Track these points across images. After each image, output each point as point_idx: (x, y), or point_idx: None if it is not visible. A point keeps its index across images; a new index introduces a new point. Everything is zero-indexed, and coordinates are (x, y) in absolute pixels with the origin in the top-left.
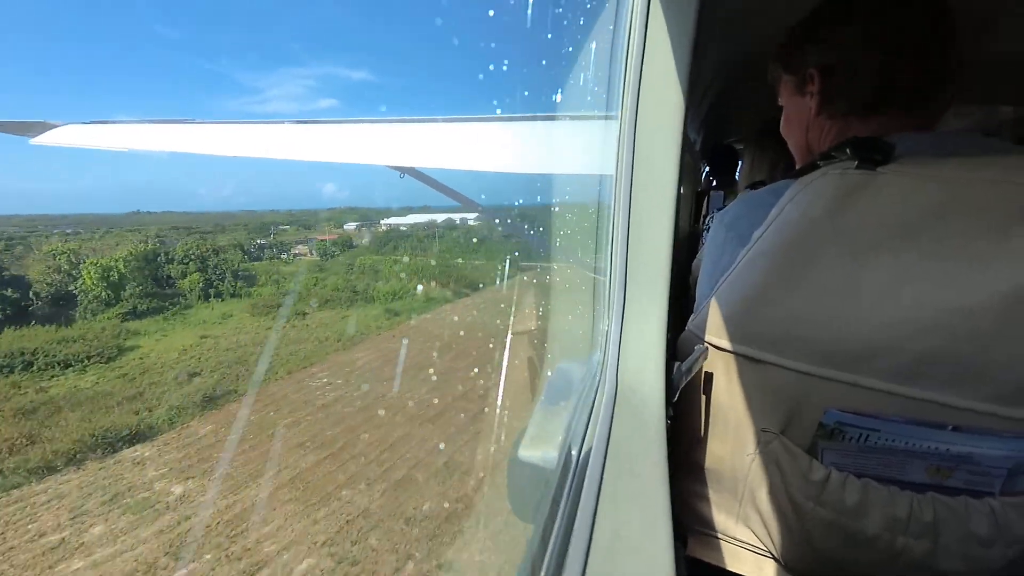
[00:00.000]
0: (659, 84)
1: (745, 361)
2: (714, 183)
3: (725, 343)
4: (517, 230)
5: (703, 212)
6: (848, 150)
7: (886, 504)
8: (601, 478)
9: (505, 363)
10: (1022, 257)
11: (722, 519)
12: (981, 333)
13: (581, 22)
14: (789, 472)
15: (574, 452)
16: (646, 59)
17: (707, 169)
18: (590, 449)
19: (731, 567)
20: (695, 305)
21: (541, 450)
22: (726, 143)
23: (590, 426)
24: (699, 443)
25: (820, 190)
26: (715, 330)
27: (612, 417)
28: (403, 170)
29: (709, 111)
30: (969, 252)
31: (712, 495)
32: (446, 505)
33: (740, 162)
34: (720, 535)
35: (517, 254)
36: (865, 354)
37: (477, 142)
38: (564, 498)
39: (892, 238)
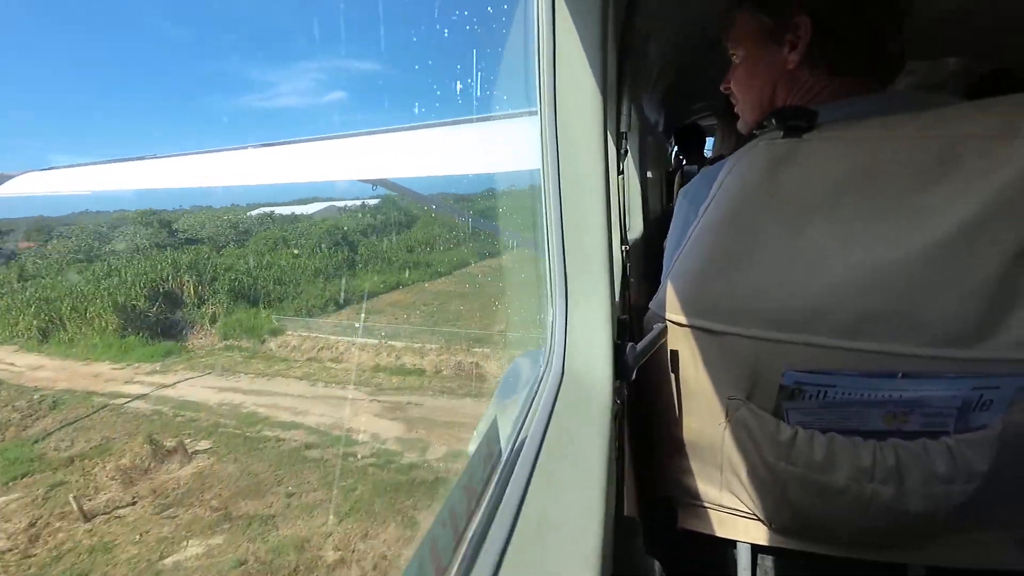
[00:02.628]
0: (574, 73)
1: (704, 334)
2: (684, 161)
3: (683, 318)
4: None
5: (675, 191)
6: (773, 120)
7: (851, 455)
8: (534, 464)
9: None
10: (940, 208)
11: (707, 489)
12: (913, 284)
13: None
14: (759, 435)
15: (509, 441)
16: (557, 52)
17: (675, 149)
18: (526, 437)
19: (720, 533)
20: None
21: (477, 445)
22: (691, 121)
23: (529, 415)
24: (676, 419)
25: (752, 161)
26: (672, 306)
27: (554, 404)
28: (375, 182)
29: (666, 93)
30: (894, 208)
31: (695, 467)
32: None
33: (708, 139)
34: (707, 504)
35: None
36: (812, 315)
37: (426, 149)
38: (491, 489)
39: (823, 202)
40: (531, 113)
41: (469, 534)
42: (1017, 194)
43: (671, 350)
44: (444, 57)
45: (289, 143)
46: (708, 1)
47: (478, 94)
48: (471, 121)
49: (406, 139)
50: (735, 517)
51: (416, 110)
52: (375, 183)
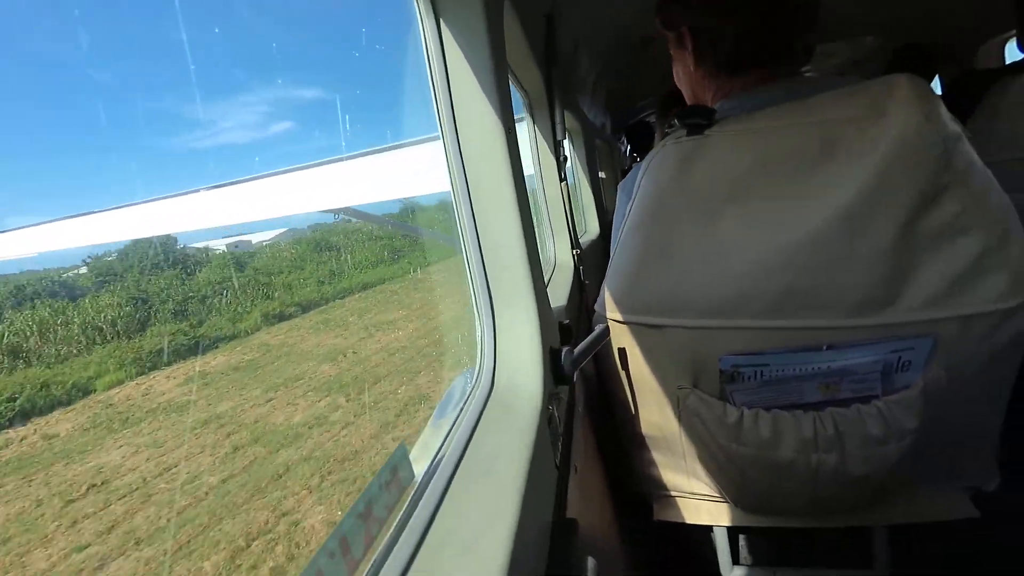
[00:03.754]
0: (470, 98)
1: (644, 329)
2: (638, 159)
3: (622, 316)
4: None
5: None
6: (676, 120)
7: (795, 428)
8: (448, 484)
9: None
10: (829, 188)
11: (673, 478)
12: (819, 260)
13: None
14: (709, 420)
15: (427, 463)
16: (450, 73)
17: (629, 147)
18: (443, 458)
19: (693, 520)
20: None
21: (418, 467)
22: (639, 119)
23: (450, 434)
24: (633, 414)
25: (663, 160)
26: (611, 305)
27: (478, 419)
28: (337, 211)
29: (608, 97)
30: (789, 193)
31: (659, 458)
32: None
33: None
34: (677, 493)
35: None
36: (736, 300)
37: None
38: (403, 510)
39: (728, 193)
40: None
41: (368, 564)
42: (893, 167)
43: (618, 348)
44: (378, 81)
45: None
46: (633, 4)
47: (402, 119)
48: (397, 148)
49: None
50: (706, 503)
51: (362, 135)
52: (337, 212)
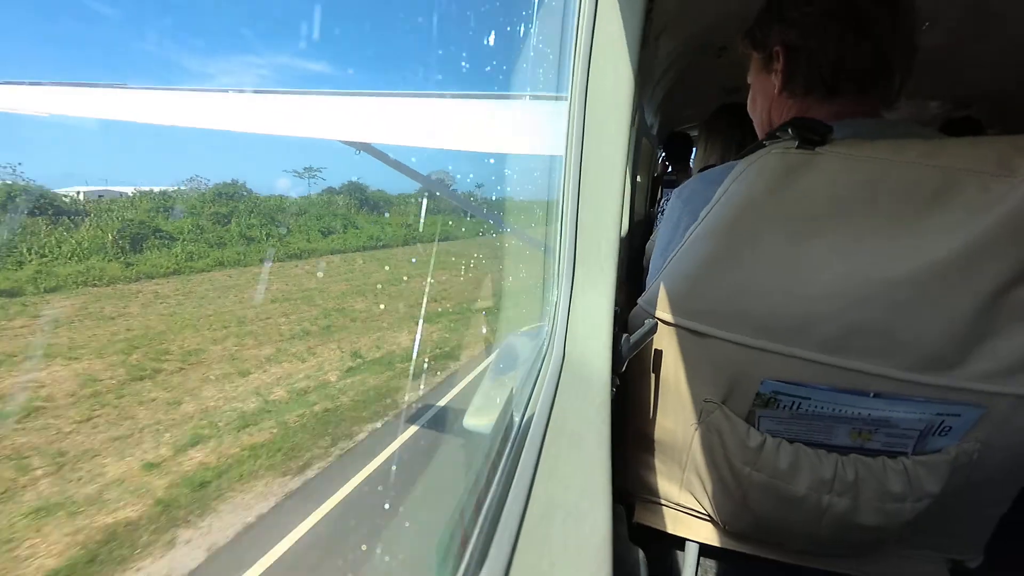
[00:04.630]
0: (609, 66)
1: (690, 335)
2: (670, 169)
3: (671, 317)
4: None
5: (658, 197)
6: (790, 130)
7: (814, 466)
8: (542, 444)
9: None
10: (933, 235)
11: (666, 486)
12: (899, 305)
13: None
14: (729, 439)
15: (516, 419)
16: (595, 41)
17: (663, 155)
18: (532, 416)
19: (672, 531)
20: (647, 281)
21: (485, 419)
22: (680, 129)
23: (534, 394)
24: (649, 417)
25: (763, 168)
26: (663, 305)
27: (557, 386)
28: (358, 146)
29: (664, 97)
30: (891, 229)
31: (658, 465)
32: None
33: (694, 148)
34: (664, 501)
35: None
36: (799, 327)
37: (433, 119)
38: (502, 463)
39: (827, 215)
40: (556, 98)
41: (486, 504)
42: (1006, 231)
43: (655, 348)
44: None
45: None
46: (721, 5)
47: (496, 74)
48: (485, 98)
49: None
50: (690, 516)
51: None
52: (359, 147)
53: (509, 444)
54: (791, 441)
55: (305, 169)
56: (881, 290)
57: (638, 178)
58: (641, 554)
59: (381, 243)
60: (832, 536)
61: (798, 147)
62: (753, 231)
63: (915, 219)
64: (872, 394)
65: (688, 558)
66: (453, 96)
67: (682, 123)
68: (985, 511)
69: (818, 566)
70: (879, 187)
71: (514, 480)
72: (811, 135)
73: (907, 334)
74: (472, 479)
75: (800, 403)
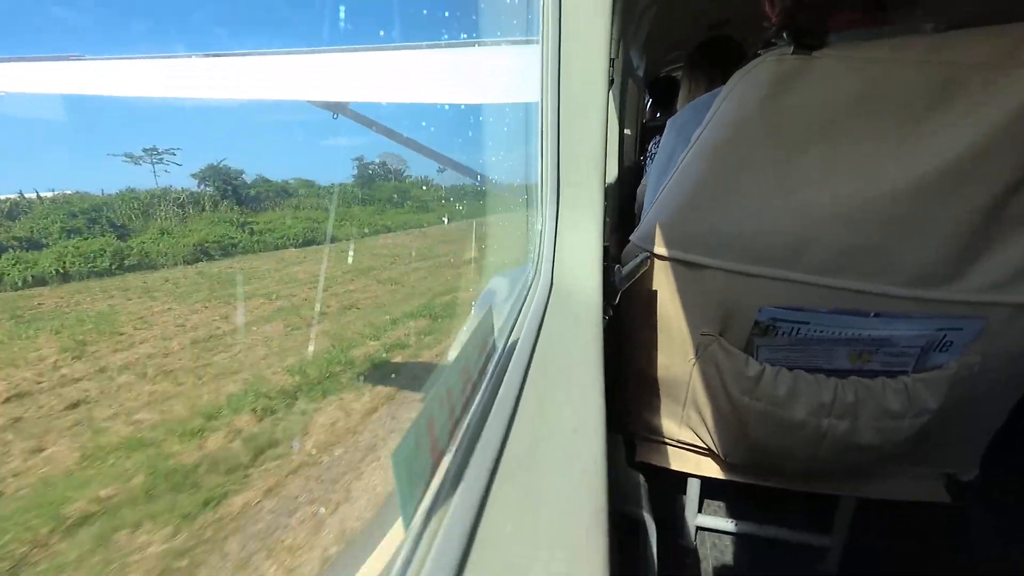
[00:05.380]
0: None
1: (683, 267)
2: (658, 115)
3: (664, 250)
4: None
5: (647, 145)
6: (784, 34)
7: (813, 391)
8: (527, 367)
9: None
10: (935, 139)
11: (667, 424)
12: (897, 221)
13: None
14: (727, 371)
15: (499, 345)
16: None
17: (650, 101)
18: (517, 341)
19: (674, 467)
20: (639, 217)
21: (471, 336)
22: (666, 72)
23: (519, 320)
24: (647, 355)
25: (756, 79)
26: (656, 238)
27: (544, 312)
28: (334, 107)
29: (648, 36)
30: (890, 137)
31: (658, 403)
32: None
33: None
34: (665, 439)
35: None
36: (793, 249)
37: (405, 71)
38: (484, 384)
39: (822, 126)
40: (526, 42)
41: (466, 420)
42: (1013, 130)
43: (650, 286)
44: None
45: (234, 55)
46: None
47: (464, 21)
48: (457, 46)
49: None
50: (691, 452)
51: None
52: (333, 109)
53: (492, 364)
54: (790, 368)
55: (147, 151)
56: (879, 207)
57: (625, 128)
58: (641, 478)
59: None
60: (831, 459)
61: (793, 52)
62: (746, 150)
63: (915, 124)
64: (872, 314)
65: (691, 494)
66: (416, 47)
67: (667, 65)
68: (982, 424)
69: (817, 490)
70: (878, 91)
71: (497, 397)
72: (807, 39)
73: (906, 249)
74: (445, 390)
75: (799, 328)
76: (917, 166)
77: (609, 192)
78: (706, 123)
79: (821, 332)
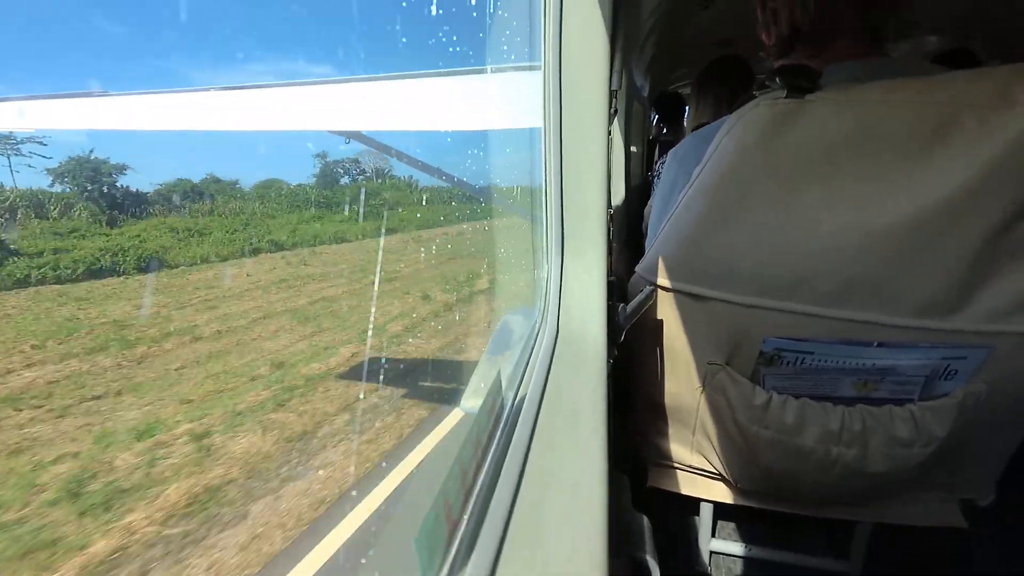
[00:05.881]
0: (582, 28)
1: (689, 299)
2: (664, 131)
3: (669, 282)
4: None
5: (655, 160)
6: (778, 79)
7: (821, 419)
8: (535, 422)
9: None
10: (932, 176)
11: (678, 450)
12: (898, 252)
13: None
14: (735, 399)
15: (509, 399)
16: (564, 7)
17: (656, 117)
18: (526, 393)
19: (686, 492)
20: (646, 246)
21: (481, 401)
22: (672, 89)
23: (527, 372)
24: (655, 383)
25: (752, 121)
26: (660, 271)
27: (551, 361)
28: (347, 135)
29: (654, 57)
30: (887, 173)
31: (668, 429)
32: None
33: (687, 108)
34: (676, 464)
35: None
36: (798, 282)
37: (414, 100)
38: (494, 445)
39: (819, 165)
40: (531, 68)
41: (477, 487)
42: (1008, 165)
43: (656, 315)
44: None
45: (252, 87)
46: None
47: (468, 48)
48: (461, 74)
49: (382, 89)
50: (702, 477)
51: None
52: (348, 136)
53: (501, 425)
54: (797, 396)
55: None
56: (879, 239)
57: (632, 147)
58: (646, 520)
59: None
60: (843, 485)
61: (787, 96)
62: (745, 187)
63: (913, 160)
64: (876, 344)
65: (704, 519)
66: (422, 76)
67: (674, 83)
68: (994, 450)
69: (831, 515)
70: (873, 131)
71: (506, 460)
72: (799, 82)
73: (908, 281)
74: (459, 465)
75: (804, 358)
76: (916, 200)
77: (617, 212)
78: (706, 161)
79: (825, 362)
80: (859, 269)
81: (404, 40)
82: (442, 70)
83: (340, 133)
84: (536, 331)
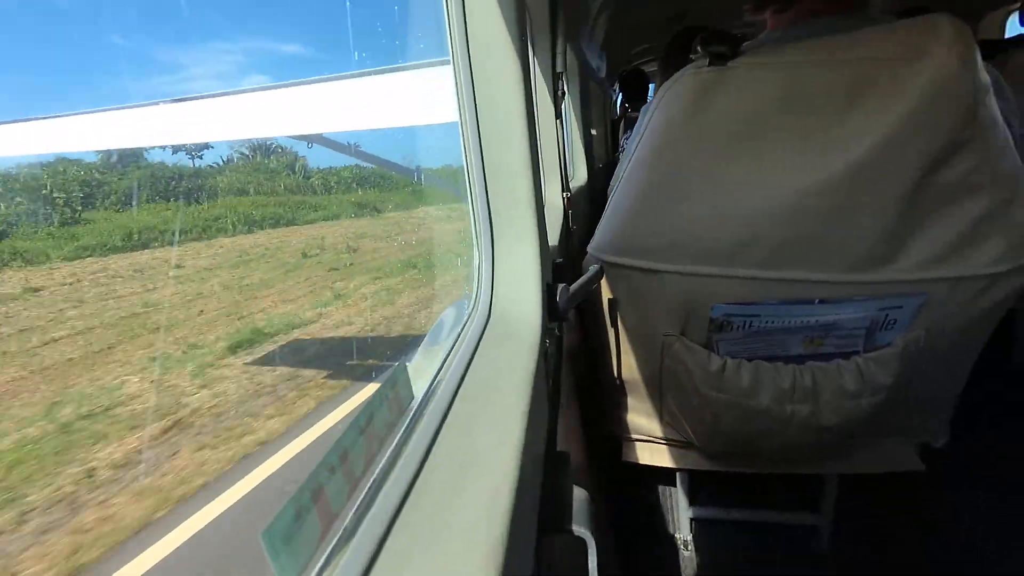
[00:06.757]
0: (486, 19)
1: (640, 273)
2: (629, 109)
3: (618, 259)
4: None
5: (620, 140)
6: (699, 48)
7: (774, 379)
8: (449, 405)
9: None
10: (853, 134)
11: (644, 422)
12: (829, 211)
13: None
14: (692, 367)
15: (423, 384)
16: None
17: (620, 96)
18: (442, 380)
19: (656, 463)
20: None
21: (380, 387)
22: (635, 66)
23: (449, 358)
24: (616, 359)
25: (678, 92)
26: (608, 247)
27: (477, 345)
28: (309, 139)
29: (606, 37)
30: (812, 135)
31: (634, 403)
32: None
33: (651, 84)
34: (646, 437)
35: None
36: (737, 248)
37: (326, 103)
38: (402, 428)
39: (747, 130)
40: (445, 62)
41: (370, 479)
42: (921, 117)
43: (610, 292)
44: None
45: (203, 97)
46: None
47: (392, 44)
48: (384, 72)
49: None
50: (671, 447)
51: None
52: (310, 140)
53: (409, 413)
54: (750, 359)
55: None
56: (808, 201)
57: (592, 128)
58: (584, 494)
59: None
60: (801, 441)
61: (709, 64)
62: (678, 159)
63: (832, 120)
64: (817, 301)
65: (681, 488)
66: (335, 79)
67: (633, 60)
68: (941, 393)
69: (796, 471)
70: (794, 93)
71: (407, 448)
72: (719, 49)
73: (840, 238)
74: (337, 454)
75: (751, 321)
76: (840, 159)
77: (580, 194)
78: (640, 135)
79: (772, 323)
80: (795, 230)
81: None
82: (365, 70)
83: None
84: (466, 318)
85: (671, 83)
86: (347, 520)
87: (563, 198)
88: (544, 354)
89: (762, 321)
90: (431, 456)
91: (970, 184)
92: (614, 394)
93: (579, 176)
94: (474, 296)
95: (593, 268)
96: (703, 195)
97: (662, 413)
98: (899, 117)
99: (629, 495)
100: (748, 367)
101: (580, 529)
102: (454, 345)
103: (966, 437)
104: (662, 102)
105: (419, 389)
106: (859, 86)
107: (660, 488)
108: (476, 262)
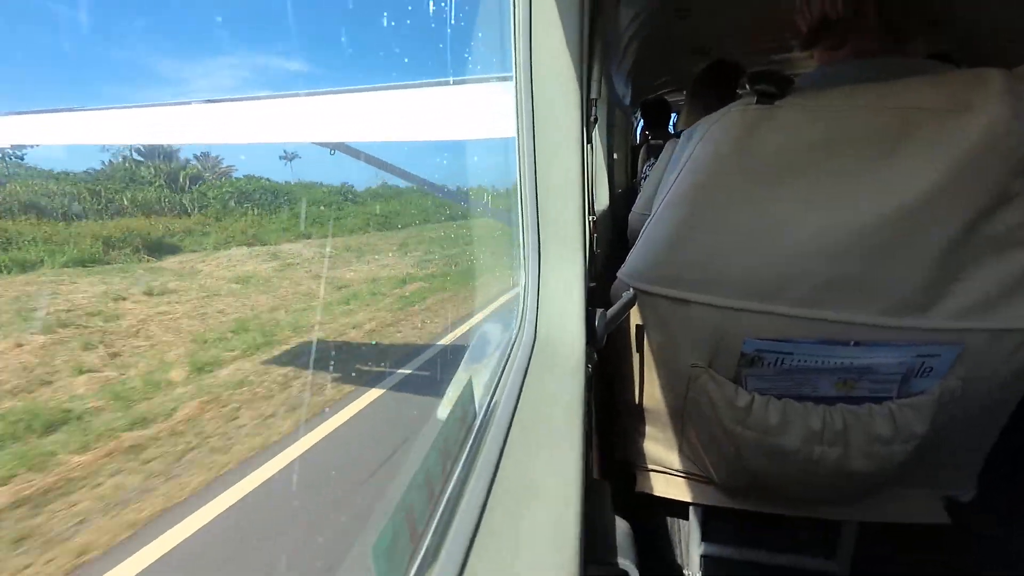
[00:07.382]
0: (551, 42)
1: (670, 303)
2: (650, 137)
3: (650, 287)
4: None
5: (640, 166)
6: (747, 86)
7: (803, 419)
8: (509, 426)
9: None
10: (897, 178)
11: (663, 453)
12: (871, 253)
13: None
14: (718, 401)
15: (483, 405)
16: (534, 15)
17: (641, 123)
18: (500, 400)
19: (673, 495)
20: (632, 241)
21: (451, 408)
22: (658, 95)
23: (503, 378)
24: (639, 387)
25: (725, 127)
26: (641, 275)
27: (527, 367)
28: (332, 146)
29: (634, 65)
30: (855, 176)
31: (653, 432)
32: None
33: (673, 114)
34: (663, 468)
35: None
36: (776, 284)
37: (398, 111)
38: (464, 454)
39: (790, 169)
40: (503, 79)
41: (445, 497)
42: (968, 168)
43: (638, 319)
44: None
45: (238, 100)
46: None
47: (448, 58)
48: (440, 85)
49: (366, 101)
50: (688, 480)
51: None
52: (333, 147)
53: (473, 433)
54: (779, 397)
55: None
56: (853, 240)
57: (615, 154)
58: (627, 526)
59: None
60: (827, 485)
61: (757, 102)
62: (721, 192)
63: (880, 163)
64: (852, 343)
65: (692, 522)
66: (394, 87)
67: (657, 90)
68: (973, 446)
69: (817, 515)
70: (841, 135)
71: (475, 469)
72: (767, 88)
73: (881, 280)
74: (424, 475)
75: (783, 359)
76: (886, 201)
77: (601, 218)
78: (682, 167)
79: (805, 362)
80: (836, 269)
81: (381, 54)
82: (421, 81)
83: (325, 144)
84: (513, 339)
85: (717, 117)
86: (428, 539)
87: (588, 222)
88: (587, 380)
89: (795, 359)
90: (497, 480)
91: (1018, 238)
92: (634, 422)
93: (601, 200)
94: (520, 317)
95: (626, 295)
96: (745, 230)
97: (682, 445)
98: (946, 168)
99: (638, 525)
100: (777, 404)
101: (625, 562)
102: (505, 365)
103: (1003, 485)
104: (706, 136)
105: (477, 405)
106: (907, 132)
107: (670, 520)
108: (523, 282)
